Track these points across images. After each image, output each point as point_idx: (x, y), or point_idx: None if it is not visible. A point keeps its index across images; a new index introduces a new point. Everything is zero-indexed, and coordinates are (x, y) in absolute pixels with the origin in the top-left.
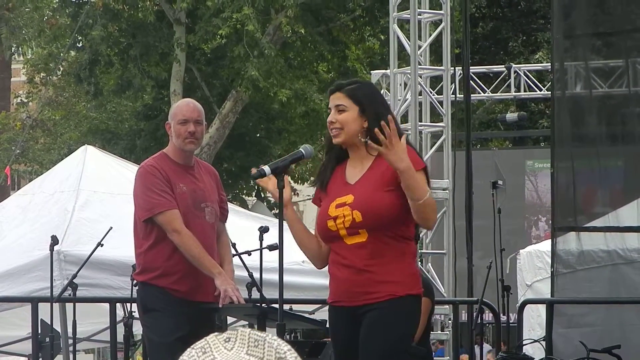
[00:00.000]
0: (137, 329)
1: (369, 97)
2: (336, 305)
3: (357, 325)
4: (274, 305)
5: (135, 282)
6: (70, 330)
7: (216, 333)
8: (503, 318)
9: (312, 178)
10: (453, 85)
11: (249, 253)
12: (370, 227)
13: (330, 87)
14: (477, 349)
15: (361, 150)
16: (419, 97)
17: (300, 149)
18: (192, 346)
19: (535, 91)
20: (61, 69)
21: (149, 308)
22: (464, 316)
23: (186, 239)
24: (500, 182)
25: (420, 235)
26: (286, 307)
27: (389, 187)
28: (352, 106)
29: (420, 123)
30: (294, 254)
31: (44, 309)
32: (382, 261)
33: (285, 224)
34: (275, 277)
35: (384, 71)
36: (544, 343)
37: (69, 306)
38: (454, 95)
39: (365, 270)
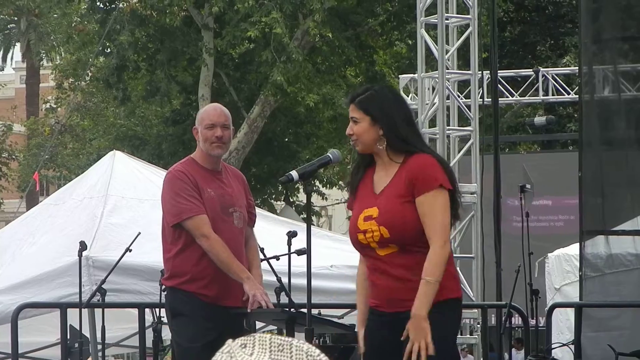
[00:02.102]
0: (166, 334)
1: (378, 105)
2: (377, 310)
3: (397, 330)
4: (302, 309)
5: (163, 287)
6: (99, 335)
7: (230, 339)
8: (532, 322)
9: (340, 182)
10: (481, 89)
11: (277, 258)
12: (399, 242)
13: (347, 98)
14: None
15: (384, 157)
16: (447, 101)
17: (328, 153)
18: (219, 351)
19: (563, 95)
20: (89, 74)
21: (177, 313)
22: (493, 320)
23: (215, 243)
24: (528, 186)
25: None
26: (314, 311)
27: (407, 199)
28: (363, 117)
29: (448, 127)
30: (322, 258)
31: (73, 314)
32: (419, 268)
33: (313, 228)
34: (304, 281)
35: (411, 75)
36: (572, 347)
37: (97, 312)
38: (481, 99)
39: (403, 278)
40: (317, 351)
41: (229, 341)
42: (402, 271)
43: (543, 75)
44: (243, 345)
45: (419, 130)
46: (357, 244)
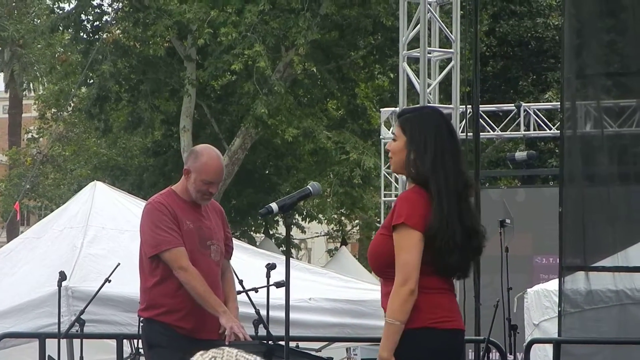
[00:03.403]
0: None
1: (416, 127)
2: None
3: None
4: (280, 342)
5: (141, 318)
6: None
7: (202, 352)
8: (510, 357)
9: (319, 215)
10: (462, 123)
11: (256, 290)
12: (374, 270)
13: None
14: None
15: (409, 181)
16: None
17: (308, 186)
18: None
19: (545, 130)
20: (72, 105)
21: (153, 344)
22: (471, 355)
23: (192, 276)
24: (508, 220)
25: None
26: (292, 344)
27: (387, 232)
28: (401, 136)
29: None
30: (300, 291)
31: (51, 344)
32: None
33: (291, 260)
34: (282, 314)
35: (393, 109)
36: None
37: (76, 342)
38: (463, 134)
39: (384, 307)
40: None
41: (198, 354)
42: (383, 299)
43: (525, 110)
44: (213, 359)
45: (448, 163)
46: None
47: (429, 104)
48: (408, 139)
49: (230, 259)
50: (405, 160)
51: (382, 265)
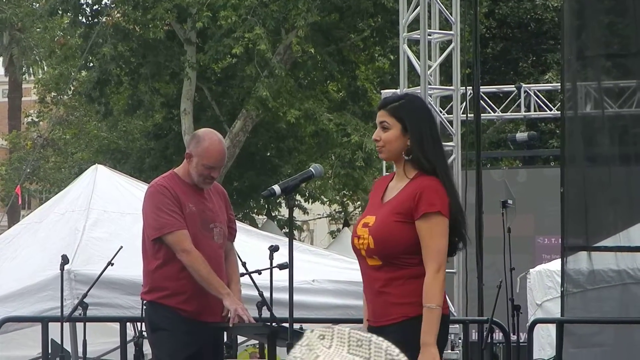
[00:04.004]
0: (148, 348)
1: (412, 114)
2: (369, 325)
3: None
4: (284, 324)
5: (144, 301)
6: (80, 350)
7: (310, 329)
8: (513, 337)
9: (322, 197)
10: (463, 104)
11: (259, 272)
12: (381, 256)
13: (379, 103)
14: None
15: (401, 168)
16: None
17: (310, 168)
18: (297, 344)
19: (545, 111)
20: (72, 88)
21: (156, 327)
22: (474, 335)
23: (195, 259)
24: (510, 201)
25: None
26: (296, 326)
27: (404, 219)
28: (394, 124)
29: None
30: (303, 272)
31: (54, 328)
32: (396, 283)
33: (295, 243)
34: (286, 296)
35: (393, 91)
36: None
37: (79, 326)
38: (464, 115)
39: (382, 292)
40: (397, 350)
41: (307, 332)
42: (380, 284)
43: (525, 92)
44: (321, 337)
45: (443, 149)
46: (353, 249)
47: (412, 92)
48: (408, 126)
49: (233, 241)
50: (405, 148)
51: (398, 252)
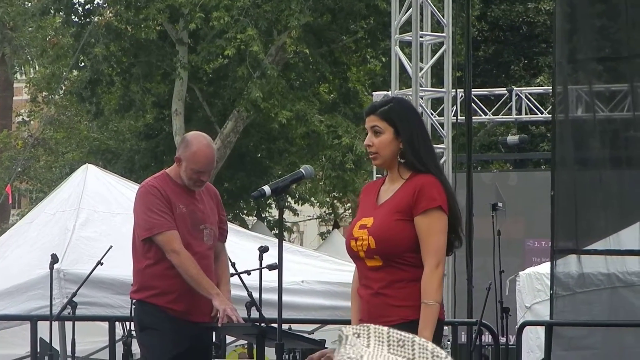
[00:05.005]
0: (136, 347)
1: (403, 117)
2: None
3: None
4: (273, 324)
5: (134, 300)
6: (69, 348)
7: (343, 327)
8: (502, 340)
9: (312, 198)
10: (454, 107)
11: (248, 272)
12: (383, 255)
13: (365, 109)
14: None
15: (394, 171)
16: None
17: (300, 169)
18: (338, 342)
19: (537, 114)
20: (63, 88)
21: (145, 326)
22: (463, 337)
23: (184, 259)
24: (500, 204)
25: None
26: (285, 326)
27: (403, 217)
28: (387, 128)
29: None
30: (293, 273)
31: (43, 327)
32: (397, 285)
33: (285, 244)
34: (275, 296)
35: (385, 92)
36: None
37: (68, 325)
38: (455, 117)
39: (380, 293)
40: (444, 352)
41: (342, 328)
42: (380, 285)
43: (516, 95)
44: (357, 335)
45: (433, 149)
46: (350, 251)
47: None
48: (400, 129)
49: (224, 241)
50: (399, 151)
51: (400, 250)
